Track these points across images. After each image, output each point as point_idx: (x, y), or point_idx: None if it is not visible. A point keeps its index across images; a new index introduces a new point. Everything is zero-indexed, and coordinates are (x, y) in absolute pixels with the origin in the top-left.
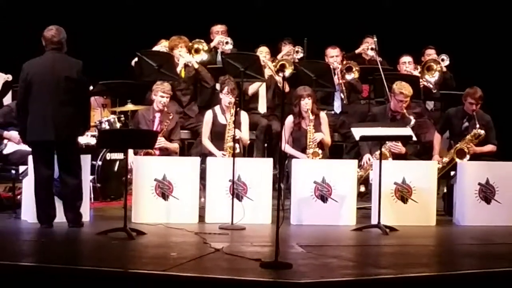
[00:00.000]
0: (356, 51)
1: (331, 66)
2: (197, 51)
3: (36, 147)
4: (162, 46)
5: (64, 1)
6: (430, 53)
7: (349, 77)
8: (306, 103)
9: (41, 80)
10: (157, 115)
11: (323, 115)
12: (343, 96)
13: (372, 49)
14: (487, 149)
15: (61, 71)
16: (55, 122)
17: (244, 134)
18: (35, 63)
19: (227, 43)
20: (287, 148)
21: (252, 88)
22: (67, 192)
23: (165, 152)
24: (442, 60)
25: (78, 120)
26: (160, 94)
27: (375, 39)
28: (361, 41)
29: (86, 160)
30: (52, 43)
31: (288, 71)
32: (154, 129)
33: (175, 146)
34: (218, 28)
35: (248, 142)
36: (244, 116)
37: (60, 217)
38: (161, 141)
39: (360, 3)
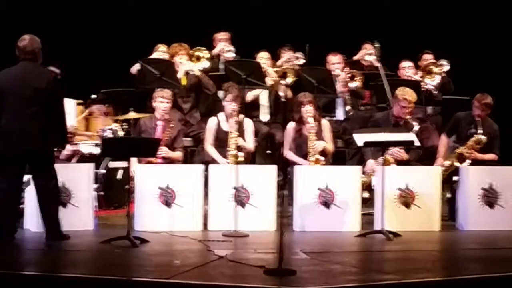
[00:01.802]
0: (354, 58)
1: (334, 73)
2: (198, 58)
3: (4, 159)
4: (160, 51)
5: (65, 9)
6: (428, 58)
7: (352, 85)
8: (307, 110)
9: (11, 91)
10: (159, 123)
11: (325, 122)
12: (347, 109)
13: (370, 54)
14: (488, 157)
15: (31, 81)
16: (24, 134)
17: (249, 141)
18: (7, 73)
19: (229, 51)
20: (289, 154)
21: (250, 95)
22: (39, 198)
23: (168, 160)
24: (442, 65)
25: (52, 132)
26: (160, 99)
27: (378, 45)
28: (359, 46)
29: (89, 169)
30: (24, 53)
31: (289, 79)
32: (156, 137)
33: (178, 154)
34: (221, 35)
35: (253, 150)
36: (248, 124)
37: (65, 225)
38: (163, 151)
39: (360, 5)
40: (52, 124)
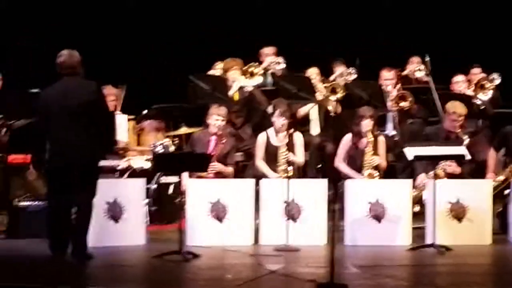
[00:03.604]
0: (403, 73)
1: (384, 89)
2: (252, 74)
3: (56, 173)
4: (217, 68)
5: (122, 25)
6: (476, 72)
7: (402, 104)
8: (367, 124)
9: (58, 107)
10: (212, 138)
11: (381, 138)
12: (395, 126)
13: (419, 70)
14: None
15: (77, 95)
16: (76, 148)
17: (299, 155)
18: (50, 90)
19: (278, 63)
20: (342, 166)
21: (303, 110)
22: (77, 213)
23: (219, 175)
24: (493, 79)
25: (101, 142)
26: (215, 117)
27: (428, 59)
28: (407, 60)
29: (141, 184)
30: (64, 68)
31: (339, 95)
32: (209, 152)
33: (229, 170)
34: (268, 50)
35: (303, 163)
36: (298, 138)
37: (115, 241)
38: (215, 166)
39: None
40: (100, 135)
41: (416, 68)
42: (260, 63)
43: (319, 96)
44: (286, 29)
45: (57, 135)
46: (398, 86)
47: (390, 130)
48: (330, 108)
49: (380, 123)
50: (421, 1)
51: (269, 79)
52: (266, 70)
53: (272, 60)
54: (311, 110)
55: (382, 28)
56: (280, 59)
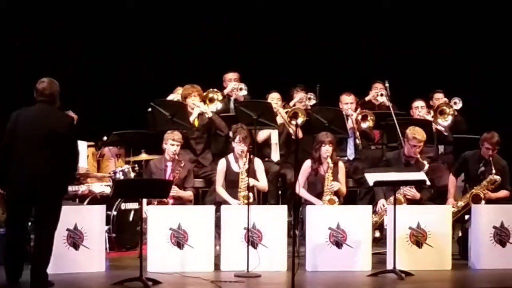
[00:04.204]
0: (366, 99)
1: (345, 113)
2: (211, 100)
3: (18, 201)
4: (178, 93)
5: (80, 49)
6: (439, 97)
7: (364, 125)
8: (327, 150)
9: (27, 132)
10: (169, 164)
11: (341, 164)
12: (358, 142)
13: (381, 95)
14: (501, 194)
15: (49, 124)
16: (34, 177)
17: (262, 180)
18: (24, 113)
19: (241, 89)
20: (302, 192)
21: (261, 135)
22: (36, 243)
23: (179, 200)
24: (455, 103)
25: (63, 176)
26: (170, 142)
27: (387, 85)
28: (370, 86)
29: (101, 210)
30: (42, 95)
31: (300, 119)
32: (167, 178)
33: (188, 194)
34: (231, 75)
35: (267, 188)
36: (258, 163)
37: (75, 268)
38: (173, 190)
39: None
40: (64, 168)
41: (379, 93)
42: (223, 88)
43: (280, 120)
44: (248, 56)
45: (22, 162)
46: (358, 110)
47: (350, 155)
48: (291, 132)
49: (340, 149)
50: (381, 28)
51: (232, 105)
52: (229, 95)
53: (234, 86)
54: (272, 135)
55: (343, 53)
56: (243, 85)
